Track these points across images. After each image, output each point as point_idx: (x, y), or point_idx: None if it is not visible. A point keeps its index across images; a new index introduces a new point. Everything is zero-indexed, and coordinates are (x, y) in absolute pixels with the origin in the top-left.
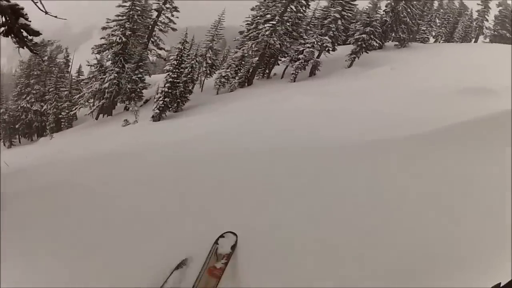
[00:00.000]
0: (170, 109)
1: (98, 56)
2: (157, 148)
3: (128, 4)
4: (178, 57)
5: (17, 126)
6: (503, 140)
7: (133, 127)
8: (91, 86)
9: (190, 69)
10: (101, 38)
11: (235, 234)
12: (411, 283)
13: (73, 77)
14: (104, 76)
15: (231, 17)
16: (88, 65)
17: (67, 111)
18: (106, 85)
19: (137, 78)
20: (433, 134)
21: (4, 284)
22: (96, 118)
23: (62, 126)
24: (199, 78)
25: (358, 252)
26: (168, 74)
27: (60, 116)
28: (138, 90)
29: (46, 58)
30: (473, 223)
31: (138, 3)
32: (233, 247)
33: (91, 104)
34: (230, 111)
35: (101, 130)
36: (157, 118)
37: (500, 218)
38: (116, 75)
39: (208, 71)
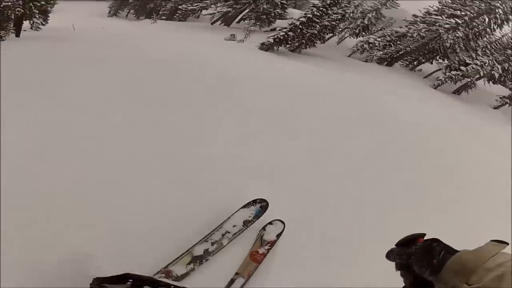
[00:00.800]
0: (288, 45)
1: None
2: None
3: None
4: None
5: (130, 0)
6: None
7: (234, 44)
8: None
9: (340, 16)
10: None
11: (283, 222)
12: None
13: None
14: None
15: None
16: None
17: (189, 5)
18: None
19: (279, 2)
20: None
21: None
22: (212, 23)
23: (174, 17)
24: (342, 32)
25: None
26: (311, 9)
27: (179, 7)
28: (273, 14)
29: None
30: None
31: None
32: (279, 235)
33: (215, 8)
34: (344, 80)
35: (204, 35)
36: (266, 47)
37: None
38: None
39: (358, 31)
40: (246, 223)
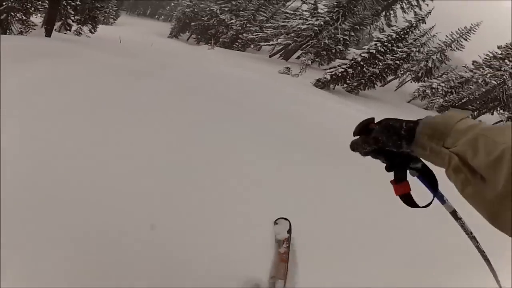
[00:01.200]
0: (345, 84)
1: None
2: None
3: None
4: (402, 32)
5: (192, 24)
6: None
7: (287, 77)
8: (290, 21)
9: (405, 55)
10: None
11: (286, 219)
12: None
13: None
14: (310, 19)
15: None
16: (303, 1)
17: (251, 36)
18: (304, 26)
19: (341, 39)
20: None
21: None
22: (270, 56)
23: (234, 46)
24: (402, 75)
25: None
26: (375, 44)
27: (240, 36)
28: (333, 51)
29: None
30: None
31: None
32: (289, 231)
33: (277, 40)
34: None
35: (258, 65)
36: (321, 84)
37: None
38: (323, 23)
39: (420, 74)
40: None
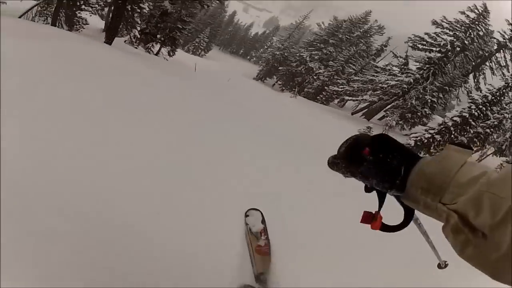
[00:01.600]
0: (430, 153)
1: (409, 50)
2: None
3: (472, 16)
4: (498, 93)
5: (280, 68)
6: None
7: None
8: (379, 75)
9: (496, 122)
10: (425, 33)
11: (256, 209)
12: None
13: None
14: (399, 76)
15: None
16: (394, 56)
17: (336, 88)
18: (392, 83)
19: (429, 101)
20: None
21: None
22: (352, 113)
23: (317, 98)
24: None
25: None
26: (468, 106)
27: (325, 87)
28: (420, 114)
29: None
30: None
31: (483, 23)
32: (263, 221)
33: (363, 96)
34: None
35: (338, 121)
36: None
37: None
38: (412, 81)
39: (504, 147)
40: None
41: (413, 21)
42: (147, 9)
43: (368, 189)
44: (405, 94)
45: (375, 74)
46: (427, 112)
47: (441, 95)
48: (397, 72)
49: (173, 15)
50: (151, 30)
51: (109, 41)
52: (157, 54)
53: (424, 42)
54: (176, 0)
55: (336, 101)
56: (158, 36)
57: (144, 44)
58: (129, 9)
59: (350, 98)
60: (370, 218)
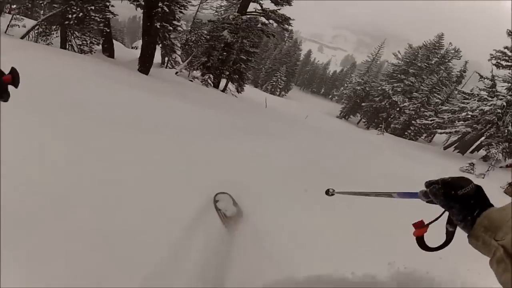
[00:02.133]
0: None
1: (495, 71)
2: None
3: None
4: None
5: (363, 105)
6: None
7: (472, 178)
8: (468, 103)
9: None
10: (504, 48)
11: (224, 192)
12: None
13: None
14: (491, 100)
15: None
16: (481, 78)
17: (425, 122)
18: (486, 108)
19: None
20: None
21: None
22: (445, 148)
23: (406, 133)
24: None
25: None
26: None
27: (412, 122)
28: None
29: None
30: None
31: None
32: (235, 203)
33: (454, 127)
34: None
35: (435, 160)
36: None
37: None
38: (505, 104)
39: None
40: None
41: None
42: (183, 27)
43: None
44: (499, 121)
45: (464, 101)
46: None
47: None
48: (486, 95)
49: (234, 45)
50: (213, 64)
51: (144, 70)
52: (224, 90)
53: (507, 57)
54: (237, 30)
55: (423, 136)
56: (223, 69)
57: (203, 76)
58: (160, 28)
59: (443, 131)
60: (420, 225)
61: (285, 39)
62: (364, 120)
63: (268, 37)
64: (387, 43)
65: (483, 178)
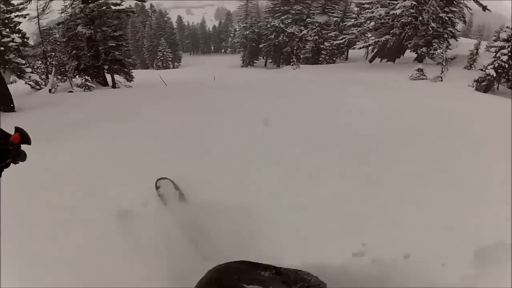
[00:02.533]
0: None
1: None
2: None
3: None
4: None
5: (260, 46)
6: None
7: (430, 84)
8: (373, 12)
9: None
10: None
11: (165, 178)
12: None
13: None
14: (399, 2)
15: None
16: None
17: (331, 41)
18: (397, 12)
19: (447, 18)
20: None
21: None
22: (371, 61)
23: (320, 59)
24: None
25: None
26: None
27: (321, 46)
28: (446, 35)
29: None
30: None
31: None
32: (176, 187)
33: (368, 40)
34: None
35: (378, 76)
36: (482, 87)
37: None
38: (414, 2)
39: None
40: None
41: None
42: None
43: None
44: (416, 20)
45: (367, 11)
46: (453, 32)
47: (451, 9)
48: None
49: (96, 36)
50: (86, 64)
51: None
52: (114, 86)
53: None
54: (91, 21)
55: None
56: (100, 65)
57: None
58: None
59: (363, 45)
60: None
61: (150, 14)
62: (270, 60)
63: (128, 15)
64: None
65: (441, 81)
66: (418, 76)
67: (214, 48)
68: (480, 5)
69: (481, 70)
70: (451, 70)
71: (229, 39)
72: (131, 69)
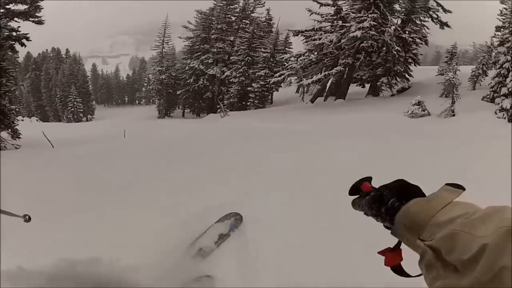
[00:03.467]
0: None
1: None
2: None
3: None
4: None
5: (178, 92)
6: None
7: (446, 122)
8: (319, 39)
9: None
10: None
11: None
12: None
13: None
14: (347, 25)
15: None
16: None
17: (263, 82)
18: (357, 34)
19: (410, 40)
20: None
21: None
22: (312, 101)
23: (248, 103)
24: None
25: None
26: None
27: (248, 89)
28: (410, 59)
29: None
30: None
31: None
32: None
33: (306, 78)
34: None
35: (357, 116)
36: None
37: None
38: (373, 22)
39: None
40: (222, 237)
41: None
42: None
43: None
44: (377, 42)
45: (311, 39)
46: (416, 55)
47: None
48: (330, 25)
49: None
50: None
51: None
52: None
53: None
54: None
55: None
56: None
57: None
58: None
59: (309, 80)
60: (389, 251)
61: (64, 60)
62: (188, 110)
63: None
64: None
65: (453, 115)
66: (415, 113)
67: (128, 99)
68: (439, 22)
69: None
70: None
71: (143, 88)
72: (16, 121)
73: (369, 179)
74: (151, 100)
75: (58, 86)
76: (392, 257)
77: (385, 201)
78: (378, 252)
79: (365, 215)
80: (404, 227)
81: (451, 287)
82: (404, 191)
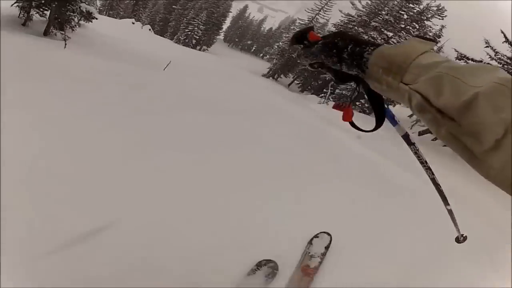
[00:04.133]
0: None
1: None
2: None
3: None
4: None
5: (298, 61)
6: None
7: None
8: None
9: None
10: None
11: (329, 234)
12: None
13: None
14: None
15: None
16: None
17: None
18: None
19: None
20: None
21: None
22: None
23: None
24: None
25: None
26: None
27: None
28: None
29: None
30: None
31: None
32: (327, 247)
33: None
34: None
35: None
36: None
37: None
38: None
39: None
40: None
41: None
42: None
43: (338, 82)
44: None
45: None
46: None
47: None
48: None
49: None
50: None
51: None
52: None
53: None
54: None
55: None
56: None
57: None
58: None
59: None
60: (340, 107)
61: None
62: (297, 82)
63: None
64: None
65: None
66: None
67: (255, 49)
68: None
69: None
70: None
71: (275, 46)
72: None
73: (311, 28)
74: (273, 57)
75: (194, 8)
76: (348, 113)
77: (341, 47)
78: (333, 107)
79: (310, 69)
80: (381, 70)
81: (462, 142)
82: (358, 40)
